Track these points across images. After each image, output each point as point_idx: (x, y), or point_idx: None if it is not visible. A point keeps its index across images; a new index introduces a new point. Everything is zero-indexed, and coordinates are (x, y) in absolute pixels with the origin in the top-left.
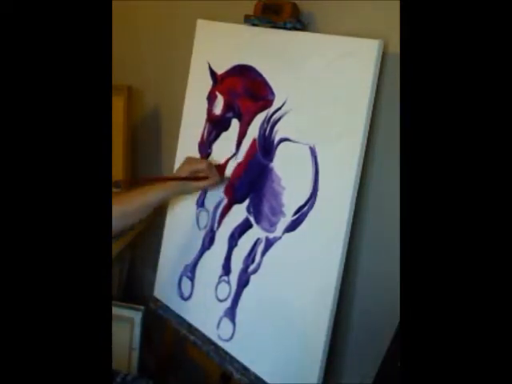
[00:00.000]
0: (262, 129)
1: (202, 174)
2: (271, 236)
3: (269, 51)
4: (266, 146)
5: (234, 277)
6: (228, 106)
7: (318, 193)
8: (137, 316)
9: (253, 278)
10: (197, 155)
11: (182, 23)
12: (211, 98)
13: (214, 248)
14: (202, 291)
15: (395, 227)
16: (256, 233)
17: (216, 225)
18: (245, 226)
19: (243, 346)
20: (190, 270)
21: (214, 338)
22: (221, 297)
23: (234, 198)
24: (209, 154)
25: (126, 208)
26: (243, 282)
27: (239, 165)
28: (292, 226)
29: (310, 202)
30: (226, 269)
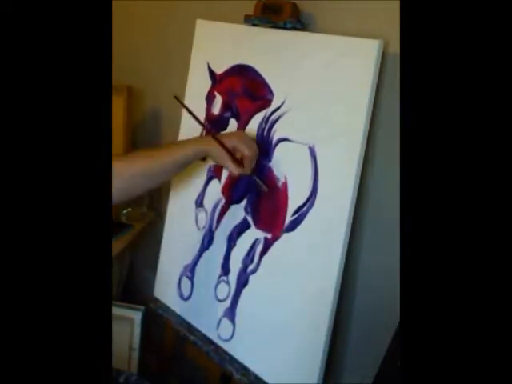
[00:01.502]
0: (261, 129)
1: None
2: (270, 236)
3: (269, 51)
4: (264, 146)
5: (233, 277)
6: (226, 106)
7: (318, 193)
8: (137, 316)
9: (252, 278)
10: None
11: (182, 23)
12: (210, 98)
13: (212, 248)
14: (201, 291)
15: (395, 227)
16: (254, 233)
17: (215, 225)
18: (243, 226)
19: (243, 346)
20: (190, 270)
21: (214, 338)
22: (220, 297)
23: (231, 198)
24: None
25: (151, 167)
26: (242, 282)
27: None
28: (291, 226)
29: (309, 202)
30: (225, 269)
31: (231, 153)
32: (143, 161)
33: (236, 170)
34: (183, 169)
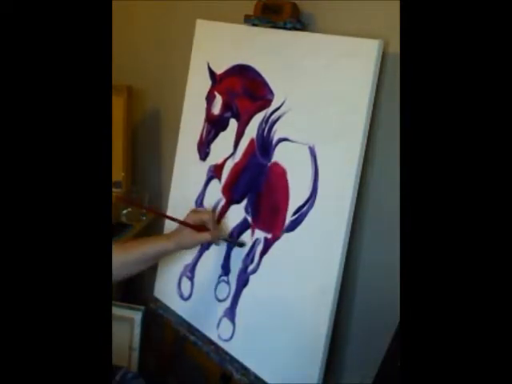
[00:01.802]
0: (261, 129)
1: (207, 226)
2: (270, 236)
3: (269, 51)
4: (264, 146)
5: (233, 277)
6: (226, 106)
7: (318, 193)
8: (137, 316)
9: (252, 277)
10: (196, 155)
11: (182, 23)
12: (210, 98)
13: (213, 248)
14: (201, 291)
15: (395, 227)
16: (254, 233)
17: None
18: (243, 226)
19: (243, 345)
20: (190, 270)
21: (214, 338)
22: (220, 297)
23: (231, 198)
24: (207, 154)
25: (125, 258)
26: (243, 282)
27: (237, 164)
28: (291, 227)
29: (309, 202)
30: (226, 269)
31: (197, 227)
32: (119, 251)
33: (209, 236)
34: (151, 264)
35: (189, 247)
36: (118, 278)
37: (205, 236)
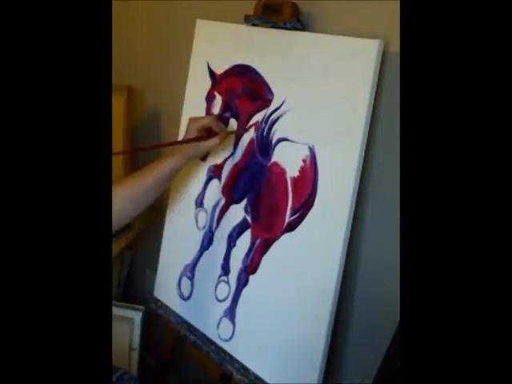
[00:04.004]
0: (260, 128)
1: (213, 130)
2: (270, 236)
3: (269, 51)
4: (263, 146)
5: (233, 277)
6: (226, 106)
7: (318, 193)
8: (137, 316)
9: (252, 278)
10: None
11: (182, 23)
12: (210, 98)
13: (212, 248)
14: (201, 291)
15: (395, 227)
16: (254, 233)
17: (215, 225)
18: (243, 226)
19: (243, 345)
20: (190, 270)
21: (214, 338)
22: (220, 297)
23: (231, 198)
24: (207, 154)
25: (135, 190)
26: (242, 282)
27: (236, 164)
28: (291, 227)
29: (309, 202)
30: (225, 269)
31: (202, 137)
32: (127, 184)
33: (217, 140)
34: (164, 188)
35: (199, 156)
36: (130, 213)
37: (213, 141)
